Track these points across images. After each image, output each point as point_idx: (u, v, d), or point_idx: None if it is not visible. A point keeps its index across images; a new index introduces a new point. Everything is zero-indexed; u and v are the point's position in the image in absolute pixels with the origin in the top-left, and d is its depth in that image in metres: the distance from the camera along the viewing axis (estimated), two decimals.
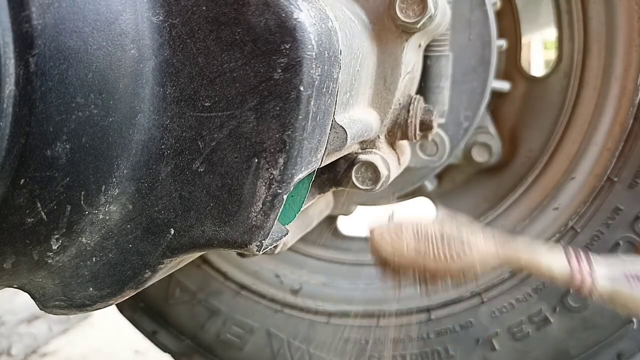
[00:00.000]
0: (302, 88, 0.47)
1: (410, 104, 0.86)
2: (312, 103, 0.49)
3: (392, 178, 0.84)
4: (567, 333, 1.02)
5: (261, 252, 0.53)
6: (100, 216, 0.51)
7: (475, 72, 1.05)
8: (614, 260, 0.61)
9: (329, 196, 1.02)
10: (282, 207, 0.51)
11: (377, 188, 0.79)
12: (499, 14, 1.13)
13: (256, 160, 0.49)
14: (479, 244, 0.62)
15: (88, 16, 0.44)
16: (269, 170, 0.49)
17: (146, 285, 0.55)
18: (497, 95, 1.17)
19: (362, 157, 0.79)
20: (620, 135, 0.97)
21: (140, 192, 0.51)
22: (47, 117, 0.44)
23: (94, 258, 0.53)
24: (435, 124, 0.88)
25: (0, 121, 0.42)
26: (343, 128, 0.64)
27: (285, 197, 0.50)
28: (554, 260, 0.61)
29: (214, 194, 0.50)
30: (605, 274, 0.60)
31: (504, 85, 1.16)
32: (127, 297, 0.56)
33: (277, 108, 0.48)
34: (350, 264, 1.23)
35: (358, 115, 0.73)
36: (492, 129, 1.16)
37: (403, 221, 0.64)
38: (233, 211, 0.50)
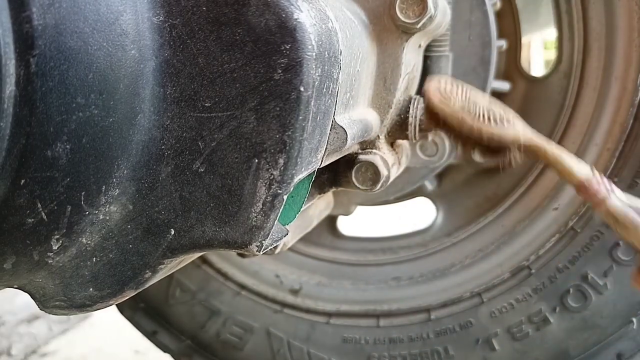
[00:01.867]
0: (302, 88, 0.47)
1: (410, 104, 0.86)
2: (312, 103, 0.49)
3: (392, 178, 0.84)
4: (566, 333, 1.02)
5: (261, 253, 0.53)
6: (101, 216, 0.51)
7: (475, 72, 1.05)
8: (633, 198, 0.63)
9: (329, 196, 1.02)
10: (282, 207, 0.51)
11: (377, 188, 0.79)
12: (499, 14, 1.14)
13: (256, 160, 0.49)
14: (517, 124, 0.66)
15: (88, 17, 0.44)
16: (269, 170, 0.49)
17: (146, 286, 0.55)
18: (497, 95, 1.17)
19: (362, 157, 0.79)
20: (620, 135, 0.97)
21: (140, 192, 0.51)
22: (47, 117, 0.44)
23: (94, 258, 0.53)
24: None
25: (0, 121, 0.42)
26: (343, 128, 0.64)
27: (285, 197, 0.50)
28: (579, 164, 0.64)
29: (214, 194, 0.50)
30: (622, 197, 0.62)
31: (503, 86, 1.16)
32: (127, 298, 0.56)
33: (278, 108, 0.48)
34: (350, 264, 1.24)
35: (358, 116, 0.73)
36: None
37: (459, 82, 0.69)
38: (233, 211, 0.50)
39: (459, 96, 0.68)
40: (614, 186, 0.63)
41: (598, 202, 0.62)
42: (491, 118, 0.66)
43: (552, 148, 0.66)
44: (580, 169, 0.64)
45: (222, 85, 0.48)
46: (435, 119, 0.69)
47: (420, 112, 0.87)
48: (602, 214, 0.62)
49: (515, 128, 0.66)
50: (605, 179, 0.63)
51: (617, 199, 0.62)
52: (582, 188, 0.64)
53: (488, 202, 1.20)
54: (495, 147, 0.67)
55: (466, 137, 0.68)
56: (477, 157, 0.69)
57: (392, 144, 0.89)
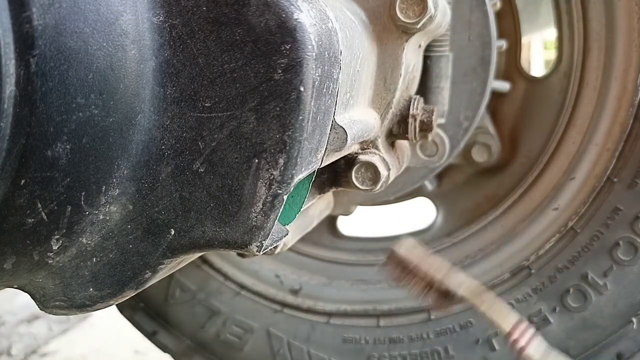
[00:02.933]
0: (302, 88, 0.47)
1: (410, 104, 0.86)
2: (312, 103, 0.49)
3: (392, 178, 0.84)
4: (566, 333, 1.02)
5: (261, 253, 0.53)
6: (101, 216, 0.51)
7: (475, 72, 1.05)
8: (551, 352, 0.73)
9: (329, 196, 1.02)
10: (282, 207, 0.51)
11: (377, 188, 0.79)
12: (499, 14, 1.14)
13: (256, 160, 0.49)
14: (461, 276, 0.79)
15: (88, 17, 0.44)
16: (269, 170, 0.49)
17: (146, 286, 0.55)
18: (497, 95, 1.17)
19: (362, 157, 0.79)
20: (620, 135, 0.97)
21: (140, 192, 0.51)
22: (47, 117, 0.44)
23: (94, 258, 0.53)
24: (435, 124, 0.88)
25: (0, 122, 0.42)
26: (343, 128, 0.64)
27: (285, 197, 0.50)
28: (507, 314, 0.76)
29: (214, 194, 0.50)
30: (541, 350, 0.72)
31: (503, 86, 1.16)
32: (127, 298, 0.56)
33: (278, 108, 0.48)
34: (350, 264, 1.24)
35: (358, 116, 0.73)
36: (492, 129, 1.16)
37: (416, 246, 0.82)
38: (233, 212, 0.50)
39: (418, 251, 0.81)
40: (535, 338, 0.73)
41: (517, 350, 0.73)
42: (442, 268, 0.78)
43: (485, 296, 0.77)
44: (508, 318, 0.75)
45: (222, 85, 0.48)
46: (398, 262, 0.80)
47: (421, 112, 0.87)
48: None
49: (457, 277, 0.78)
50: (528, 332, 0.73)
51: (536, 350, 0.72)
52: (506, 336, 0.74)
53: (488, 202, 1.20)
54: (442, 292, 0.78)
55: (421, 282, 0.79)
56: (427, 302, 0.82)
57: (392, 144, 0.89)
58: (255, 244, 0.51)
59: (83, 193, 0.48)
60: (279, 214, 0.51)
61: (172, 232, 0.52)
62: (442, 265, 0.79)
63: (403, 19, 0.77)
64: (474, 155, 1.16)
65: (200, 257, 1.16)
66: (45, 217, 0.48)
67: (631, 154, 0.96)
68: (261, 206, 0.50)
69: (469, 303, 0.78)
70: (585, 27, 1.04)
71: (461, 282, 0.77)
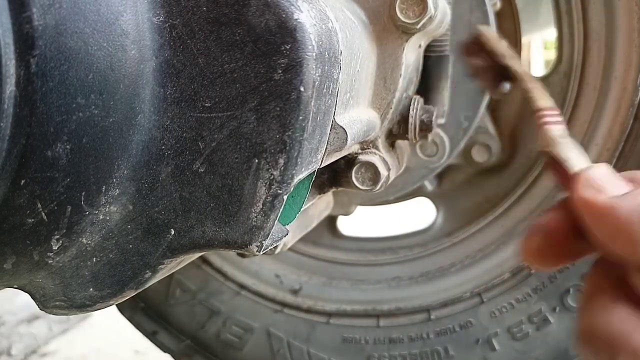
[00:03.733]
0: (302, 89, 0.47)
1: (410, 104, 0.86)
2: (312, 104, 0.49)
3: (392, 178, 0.84)
4: (567, 333, 1.02)
5: (261, 253, 0.53)
6: (101, 217, 0.51)
7: None
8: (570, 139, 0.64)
9: (329, 196, 1.02)
10: (282, 207, 0.51)
11: (377, 188, 0.79)
12: (499, 14, 1.14)
13: (256, 160, 0.49)
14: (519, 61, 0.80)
15: (89, 17, 0.44)
16: (270, 170, 0.49)
17: (146, 286, 0.55)
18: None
19: (362, 157, 0.79)
20: (620, 135, 0.97)
21: (140, 192, 0.51)
22: (47, 117, 0.44)
23: (94, 258, 0.53)
24: (435, 124, 0.88)
25: (0, 122, 0.42)
26: (343, 128, 0.64)
27: (285, 197, 0.50)
28: (546, 98, 0.71)
29: (214, 194, 0.50)
30: (561, 132, 0.64)
31: (503, 86, 1.16)
32: (128, 298, 0.56)
33: (278, 109, 0.48)
34: (350, 264, 1.24)
35: (358, 116, 0.73)
36: (492, 129, 1.16)
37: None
38: (233, 212, 0.50)
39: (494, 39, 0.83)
40: (561, 124, 0.65)
41: (540, 125, 0.66)
42: (506, 52, 0.81)
43: (531, 78, 0.77)
44: (546, 101, 0.71)
45: (222, 86, 0.48)
46: (477, 46, 0.84)
47: (421, 112, 0.87)
48: (540, 137, 0.65)
49: (516, 60, 0.80)
50: (558, 117, 0.67)
51: (557, 130, 0.64)
52: (536, 111, 0.69)
53: (488, 202, 1.20)
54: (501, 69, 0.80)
55: (494, 68, 0.83)
56: (502, 88, 0.89)
57: (392, 144, 0.89)
58: (255, 244, 0.51)
59: (83, 193, 0.48)
60: (279, 214, 0.51)
61: (172, 232, 0.52)
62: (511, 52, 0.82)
63: (403, 19, 0.77)
64: (474, 155, 1.16)
65: (200, 257, 1.16)
66: (45, 217, 0.48)
67: (631, 154, 0.96)
68: (261, 206, 0.50)
69: (520, 79, 0.79)
70: (585, 27, 1.04)
71: (519, 65, 0.80)
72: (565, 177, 0.58)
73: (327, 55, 0.51)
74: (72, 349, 1.84)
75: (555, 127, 0.65)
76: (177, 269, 0.60)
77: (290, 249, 1.16)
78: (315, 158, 0.54)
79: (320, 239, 1.27)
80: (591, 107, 1.04)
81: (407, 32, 0.78)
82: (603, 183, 0.49)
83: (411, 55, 0.84)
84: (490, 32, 0.87)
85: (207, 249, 0.52)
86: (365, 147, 0.83)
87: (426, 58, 0.99)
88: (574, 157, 0.59)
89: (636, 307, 0.45)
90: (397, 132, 0.87)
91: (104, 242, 0.52)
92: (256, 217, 0.50)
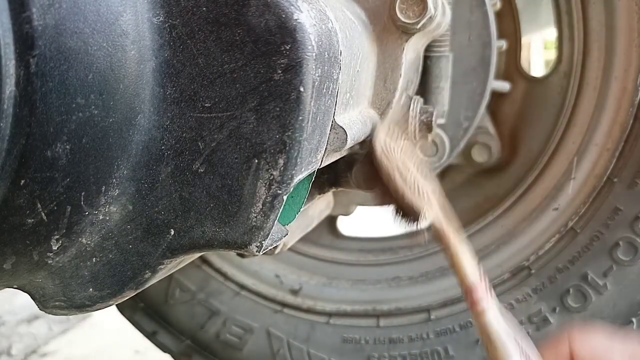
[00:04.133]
0: (302, 89, 0.47)
1: (410, 104, 0.86)
2: (312, 104, 0.49)
3: None
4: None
5: (261, 253, 0.53)
6: (100, 217, 0.51)
7: (475, 72, 1.05)
8: (507, 320, 0.62)
9: (328, 196, 1.02)
10: (282, 207, 0.51)
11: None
12: (499, 15, 1.14)
13: (256, 161, 0.49)
14: (433, 203, 0.67)
15: (88, 17, 0.44)
16: (269, 171, 0.49)
17: (146, 286, 0.55)
18: (497, 95, 1.17)
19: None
20: (620, 135, 0.97)
21: (140, 192, 0.51)
22: (47, 117, 0.44)
23: (94, 259, 0.53)
24: (435, 125, 0.88)
25: (0, 122, 0.42)
26: (343, 129, 0.64)
27: (285, 197, 0.50)
28: (472, 268, 0.64)
29: (214, 194, 0.50)
30: (499, 316, 0.61)
31: (503, 86, 1.16)
32: (127, 298, 0.56)
33: (277, 109, 0.48)
34: (350, 264, 1.24)
35: (358, 116, 0.73)
36: (492, 129, 1.16)
37: (402, 138, 0.72)
38: (233, 212, 0.50)
39: (396, 154, 0.69)
40: (494, 302, 0.62)
41: (477, 311, 0.61)
42: (414, 186, 0.67)
43: (455, 241, 0.65)
44: (472, 273, 0.63)
45: (222, 86, 0.48)
46: (371, 168, 0.70)
47: (420, 113, 0.87)
48: (477, 325, 0.61)
49: (430, 207, 0.66)
50: (489, 292, 0.62)
51: (495, 316, 0.60)
52: (467, 292, 0.63)
53: (488, 202, 1.20)
54: (408, 211, 0.67)
55: (388, 192, 0.68)
56: (391, 215, 0.69)
57: None
58: (255, 244, 0.51)
59: (83, 193, 0.48)
60: (279, 214, 0.51)
61: (172, 232, 0.52)
62: (421, 186, 0.67)
63: (403, 19, 0.77)
64: (474, 155, 1.16)
65: (200, 257, 1.16)
66: (45, 217, 0.48)
67: (631, 154, 0.96)
68: (261, 206, 0.50)
69: (433, 234, 0.67)
70: (585, 27, 1.04)
71: (431, 204, 0.66)
72: None
73: (327, 56, 0.51)
74: (72, 349, 1.84)
75: (494, 315, 0.59)
76: (177, 269, 0.60)
77: (290, 249, 1.16)
78: (315, 158, 0.54)
79: (320, 239, 1.27)
80: (591, 107, 1.04)
81: (407, 32, 0.78)
82: None
83: (411, 55, 0.84)
84: (385, 141, 0.70)
85: (207, 249, 0.52)
86: (365, 147, 0.83)
87: (426, 58, 0.99)
88: (511, 349, 0.57)
89: None
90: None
91: (104, 242, 0.52)
92: (256, 217, 0.50)
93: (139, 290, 0.55)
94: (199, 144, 0.50)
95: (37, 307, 0.57)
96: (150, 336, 1.23)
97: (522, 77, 1.18)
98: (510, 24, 1.18)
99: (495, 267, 1.08)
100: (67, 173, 0.46)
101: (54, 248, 0.50)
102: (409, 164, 0.69)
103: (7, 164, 0.44)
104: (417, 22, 0.77)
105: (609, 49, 1.00)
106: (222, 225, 0.51)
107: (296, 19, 0.47)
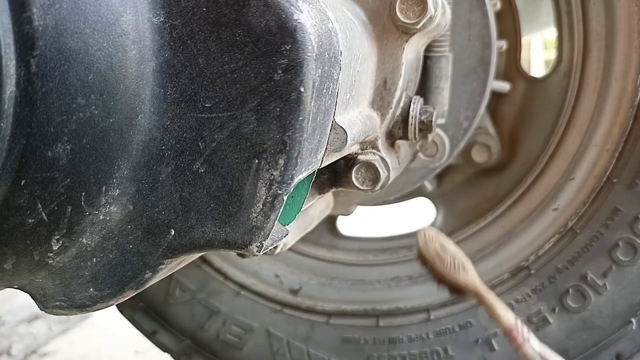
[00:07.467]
0: (302, 89, 0.47)
1: (410, 104, 0.86)
2: (312, 104, 0.49)
3: (391, 179, 0.84)
4: (566, 333, 1.02)
5: (261, 253, 0.53)
6: (101, 217, 0.51)
7: (475, 72, 1.05)
8: (546, 350, 0.83)
9: (329, 196, 1.02)
10: (282, 207, 0.51)
11: (376, 188, 0.79)
12: (498, 15, 1.14)
13: (256, 161, 0.49)
14: (470, 272, 0.90)
15: (89, 17, 0.44)
16: (270, 171, 0.49)
17: (146, 286, 0.55)
18: (497, 95, 1.17)
19: (362, 157, 0.80)
20: (620, 136, 0.97)
21: (140, 193, 0.51)
22: (48, 118, 0.44)
23: (94, 259, 0.53)
24: (435, 125, 0.88)
25: (1, 122, 0.42)
26: (343, 129, 0.64)
27: (285, 197, 0.50)
28: (507, 313, 0.86)
29: (215, 194, 0.50)
30: (536, 346, 0.82)
31: (503, 86, 1.16)
32: (128, 298, 0.56)
33: (278, 109, 0.48)
34: (350, 264, 1.24)
35: (358, 116, 0.73)
36: (491, 129, 1.16)
37: (438, 233, 0.94)
38: (233, 212, 0.50)
39: (436, 244, 0.91)
40: (531, 335, 0.83)
41: (517, 345, 0.82)
42: (455, 265, 0.89)
43: (489, 296, 0.88)
44: (508, 317, 0.85)
45: (223, 86, 0.48)
46: (421, 257, 0.92)
47: (420, 113, 0.87)
48: (521, 356, 0.82)
49: (467, 275, 0.89)
50: (524, 329, 0.83)
51: (531, 347, 0.82)
52: (507, 332, 0.83)
53: (488, 202, 1.20)
54: (453, 288, 0.91)
55: (441, 277, 0.91)
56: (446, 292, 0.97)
57: (392, 145, 0.89)
58: (255, 244, 0.51)
59: (83, 193, 0.48)
60: (279, 214, 0.51)
61: (172, 233, 0.52)
62: (456, 260, 0.89)
63: (403, 19, 0.77)
64: (473, 155, 1.16)
65: (200, 257, 1.16)
66: (45, 217, 0.48)
67: (631, 154, 0.96)
68: (261, 206, 0.50)
69: (472, 294, 0.88)
70: (585, 27, 1.04)
71: (468, 280, 0.88)
72: None
73: (327, 56, 0.51)
74: (72, 349, 1.84)
75: (531, 345, 0.80)
76: (177, 269, 0.60)
77: (290, 249, 1.16)
78: (315, 158, 0.54)
79: (320, 239, 1.27)
80: (591, 107, 1.04)
81: (407, 32, 0.79)
82: None
83: (411, 55, 0.84)
84: (425, 240, 0.91)
85: (207, 249, 0.52)
86: (365, 147, 0.83)
87: (426, 58, 1.00)
88: None
89: None
90: (397, 132, 0.87)
91: (104, 243, 0.52)
92: (256, 217, 0.50)
93: (139, 290, 0.55)
94: (200, 144, 0.50)
95: (37, 307, 0.57)
96: (150, 336, 1.23)
97: (522, 77, 1.18)
98: (510, 24, 1.18)
99: (495, 267, 1.08)
100: (67, 173, 0.46)
101: (55, 248, 0.50)
102: (445, 245, 0.91)
103: (7, 164, 0.44)
104: (417, 22, 0.77)
105: (608, 50, 1.00)
106: (223, 225, 0.51)
107: (296, 19, 0.47)
